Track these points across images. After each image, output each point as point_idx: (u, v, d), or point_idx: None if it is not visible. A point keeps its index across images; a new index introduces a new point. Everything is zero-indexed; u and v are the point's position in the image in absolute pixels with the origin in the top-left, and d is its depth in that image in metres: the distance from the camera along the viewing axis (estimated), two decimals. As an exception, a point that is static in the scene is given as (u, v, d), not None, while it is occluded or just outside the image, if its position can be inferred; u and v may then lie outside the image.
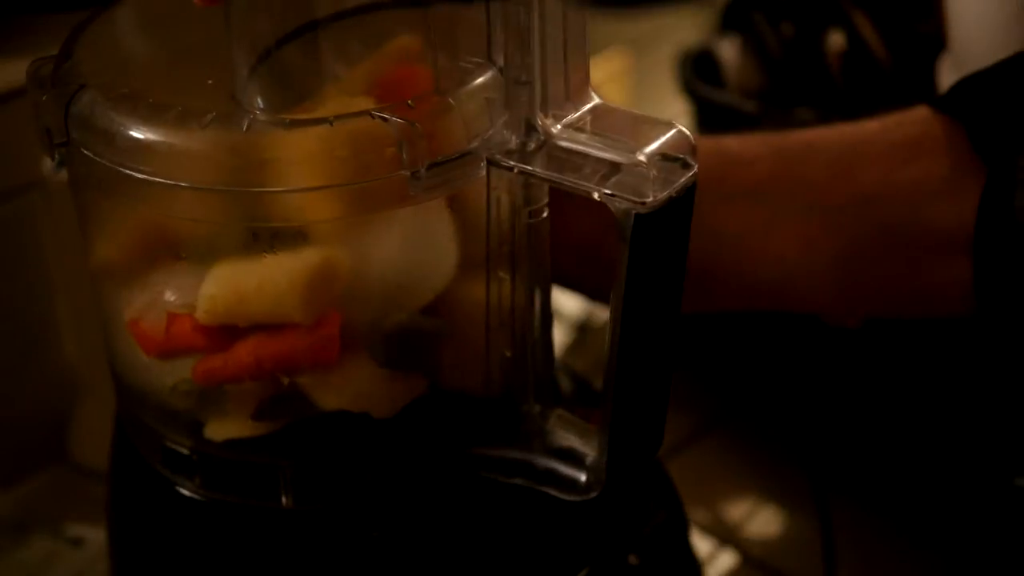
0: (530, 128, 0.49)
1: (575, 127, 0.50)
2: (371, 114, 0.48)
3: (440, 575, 0.56)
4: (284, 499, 0.55)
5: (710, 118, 0.99)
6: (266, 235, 0.51)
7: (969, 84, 0.58)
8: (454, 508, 0.56)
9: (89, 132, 0.51)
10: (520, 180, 0.51)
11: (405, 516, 0.56)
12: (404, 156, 0.48)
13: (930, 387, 0.82)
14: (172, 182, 0.49)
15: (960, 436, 0.82)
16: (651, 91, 1.23)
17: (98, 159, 0.51)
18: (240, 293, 0.51)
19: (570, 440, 0.55)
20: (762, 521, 0.83)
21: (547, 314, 0.56)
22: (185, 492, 0.56)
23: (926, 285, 0.58)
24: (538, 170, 0.49)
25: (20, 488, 0.83)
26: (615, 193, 0.47)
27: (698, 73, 1.00)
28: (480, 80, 0.50)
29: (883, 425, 0.85)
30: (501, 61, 0.50)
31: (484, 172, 0.50)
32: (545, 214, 0.52)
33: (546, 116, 0.49)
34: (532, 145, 0.50)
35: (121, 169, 0.50)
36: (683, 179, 0.48)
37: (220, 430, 0.55)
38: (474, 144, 0.50)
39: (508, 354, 0.55)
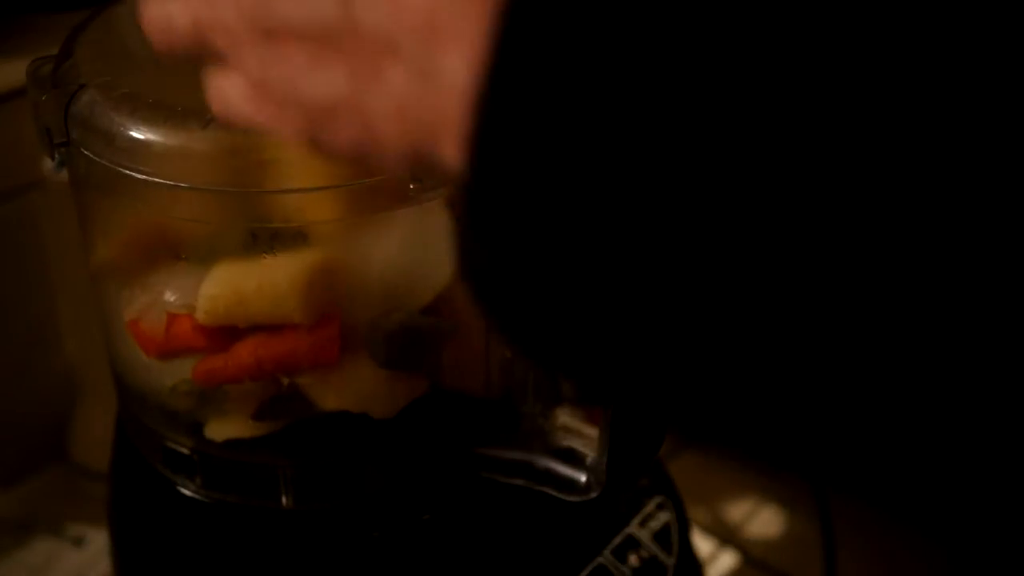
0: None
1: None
2: (371, 114, 0.48)
3: (440, 575, 0.56)
4: (284, 499, 0.55)
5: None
6: (266, 236, 0.51)
7: None
8: (454, 508, 0.56)
9: (89, 132, 0.51)
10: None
11: (405, 516, 0.56)
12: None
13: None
14: (172, 182, 0.49)
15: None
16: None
17: (98, 159, 0.51)
18: (240, 294, 0.51)
19: (570, 440, 0.55)
20: (762, 521, 0.83)
21: (547, 314, 0.56)
22: (186, 492, 0.56)
23: None
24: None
25: (22, 488, 0.83)
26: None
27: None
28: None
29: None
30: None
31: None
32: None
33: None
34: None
35: (121, 169, 0.50)
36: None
37: (220, 430, 0.55)
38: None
39: (508, 354, 0.55)
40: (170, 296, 0.53)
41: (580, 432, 0.55)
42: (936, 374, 0.27)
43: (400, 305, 0.53)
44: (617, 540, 0.59)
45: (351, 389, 0.53)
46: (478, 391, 0.56)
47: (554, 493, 0.54)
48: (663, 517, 0.62)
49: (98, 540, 0.78)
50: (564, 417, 0.56)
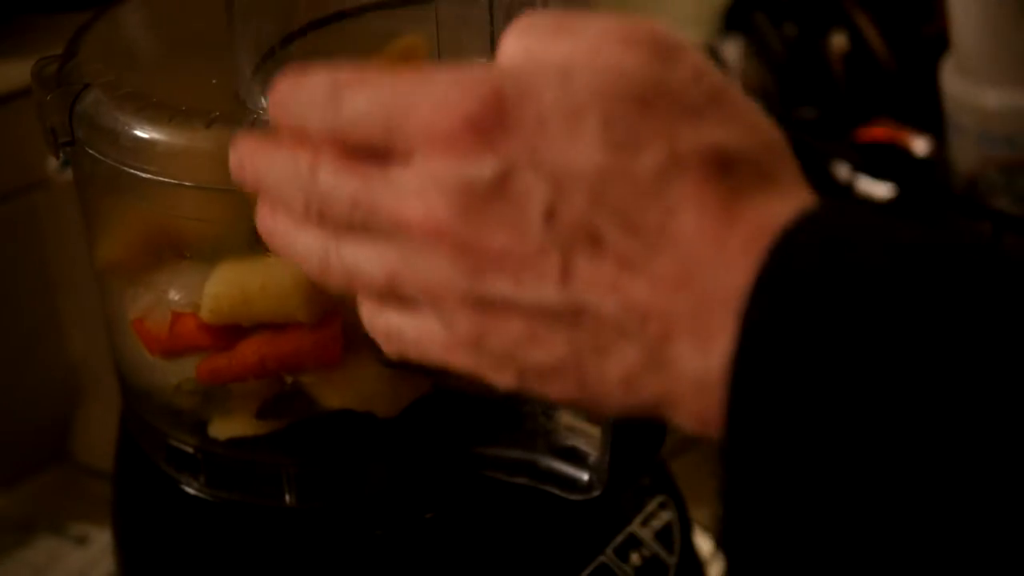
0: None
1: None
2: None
3: (443, 574, 0.56)
4: (288, 497, 0.55)
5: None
6: (270, 234, 0.51)
7: None
8: (457, 507, 0.56)
9: (94, 131, 0.51)
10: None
11: (408, 515, 0.56)
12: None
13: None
14: (176, 181, 0.49)
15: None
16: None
17: (103, 158, 0.51)
18: (244, 292, 0.51)
19: (572, 439, 0.55)
20: (764, 521, 0.83)
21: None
22: (189, 491, 0.57)
23: None
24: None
25: (24, 487, 0.84)
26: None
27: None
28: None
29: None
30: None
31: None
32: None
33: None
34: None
35: (125, 168, 0.50)
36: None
37: (224, 429, 0.55)
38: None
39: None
40: (174, 295, 0.53)
41: (582, 431, 0.55)
42: None
43: (403, 304, 0.53)
44: (619, 539, 0.59)
45: (354, 388, 0.53)
46: (481, 390, 0.56)
47: (556, 492, 0.55)
48: (665, 516, 0.62)
49: (101, 539, 0.78)
50: (566, 416, 0.56)
